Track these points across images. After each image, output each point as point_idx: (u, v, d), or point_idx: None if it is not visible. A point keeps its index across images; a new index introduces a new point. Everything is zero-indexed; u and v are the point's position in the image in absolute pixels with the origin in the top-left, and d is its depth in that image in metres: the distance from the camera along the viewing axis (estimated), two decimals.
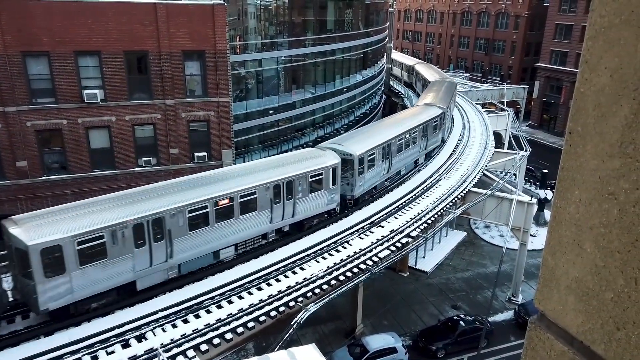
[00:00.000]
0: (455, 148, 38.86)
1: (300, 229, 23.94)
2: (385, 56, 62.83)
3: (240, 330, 17.40)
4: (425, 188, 30.31)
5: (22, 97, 23.62)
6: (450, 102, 40.42)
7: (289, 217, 22.93)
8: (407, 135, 31.11)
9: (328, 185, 24.11)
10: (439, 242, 37.74)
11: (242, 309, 18.25)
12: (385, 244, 23.40)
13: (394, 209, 27.16)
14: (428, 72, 57.08)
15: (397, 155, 30.14)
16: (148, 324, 17.09)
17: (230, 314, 17.94)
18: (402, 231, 24.69)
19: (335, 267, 21.25)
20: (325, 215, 25.04)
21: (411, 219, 25.90)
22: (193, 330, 16.95)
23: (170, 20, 25.49)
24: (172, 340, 16.42)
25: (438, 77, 52.76)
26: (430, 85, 47.61)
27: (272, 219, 22.19)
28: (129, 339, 16.36)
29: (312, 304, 19.16)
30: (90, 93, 24.61)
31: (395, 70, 74.49)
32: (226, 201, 20.25)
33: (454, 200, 29.10)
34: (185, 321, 17.47)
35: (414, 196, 28.96)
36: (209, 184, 20.32)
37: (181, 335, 16.67)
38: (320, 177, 23.74)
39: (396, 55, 77.88)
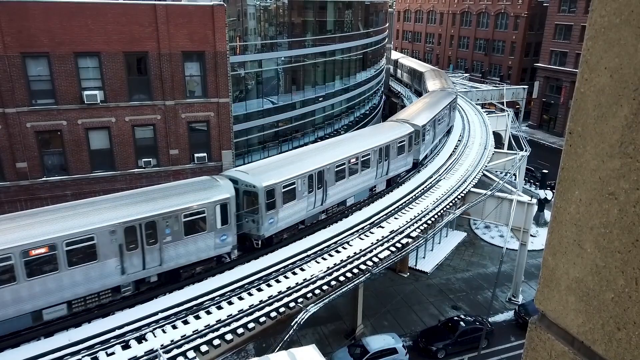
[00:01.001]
0: (455, 148, 38.86)
1: (176, 278, 19.56)
2: (385, 57, 62.83)
3: (240, 331, 17.39)
4: (425, 188, 30.30)
5: (22, 98, 23.62)
6: (434, 117, 35.28)
7: (154, 264, 18.58)
8: (353, 160, 26.04)
9: (215, 225, 19.88)
10: (439, 243, 37.73)
11: (242, 309, 18.25)
12: (386, 245, 23.39)
13: (394, 209, 27.15)
14: (432, 81, 50.98)
15: (337, 185, 25.19)
16: (148, 325, 17.09)
17: (230, 314, 17.93)
18: (402, 232, 24.68)
19: (335, 268, 21.24)
20: (214, 260, 20.67)
21: (411, 220, 25.90)
22: (193, 331, 16.95)
23: (170, 21, 25.51)
24: (172, 341, 16.41)
25: (439, 86, 47.73)
26: (423, 96, 44.89)
27: (123, 269, 17.73)
28: (129, 340, 16.36)
29: (312, 304, 19.15)
30: (90, 94, 24.62)
31: (405, 77, 68.53)
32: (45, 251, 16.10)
33: (454, 201, 29.10)
34: (185, 322, 17.47)
35: (413, 197, 28.95)
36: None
37: (181, 336, 16.66)
38: (203, 215, 19.49)
39: (406, 61, 70.69)
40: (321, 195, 24.43)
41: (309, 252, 22.42)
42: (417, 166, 33.26)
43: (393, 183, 30.70)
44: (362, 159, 26.92)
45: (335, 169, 25.01)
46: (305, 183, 23.26)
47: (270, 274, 20.64)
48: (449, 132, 42.70)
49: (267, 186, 21.31)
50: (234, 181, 21.14)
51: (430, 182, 31.35)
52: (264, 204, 21.16)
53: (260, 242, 21.86)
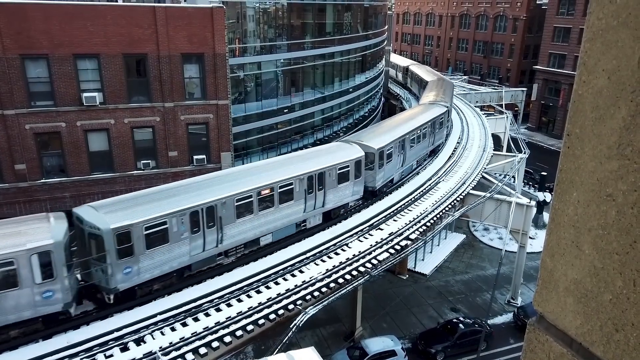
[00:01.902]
0: (454, 151, 38.89)
1: None
2: (384, 59, 62.90)
3: (239, 333, 17.36)
4: (424, 191, 30.32)
5: (21, 100, 23.61)
6: (402, 137, 31.37)
7: None
8: (266, 191, 22.18)
9: (31, 281, 15.99)
10: (438, 245, 37.73)
11: (241, 312, 18.22)
12: (384, 247, 23.39)
13: (392, 211, 27.14)
14: (427, 93, 45.82)
15: (240, 222, 21.35)
16: (147, 327, 17.05)
17: (230, 317, 17.90)
18: (401, 234, 24.68)
19: (334, 270, 21.22)
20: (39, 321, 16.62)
21: (410, 222, 25.89)
22: (192, 334, 16.92)
23: (169, 23, 25.52)
24: (171, 343, 16.38)
25: (431, 99, 42.96)
26: (404, 111, 45.70)
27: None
28: (128, 342, 16.32)
29: (311, 306, 19.13)
30: (89, 96, 24.62)
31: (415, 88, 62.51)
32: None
33: (453, 203, 29.11)
34: (184, 324, 17.44)
35: (412, 199, 28.96)
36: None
37: (180, 339, 16.63)
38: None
39: (418, 70, 62.03)
40: (215, 236, 20.28)
41: (308, 255, 22.40)
42: (374, 194, 28.47)
43: (334, 216, 25.83)
44: (280, 190, 22.39)
45: (236, 203, 20.74)
46: (186, 222, 19.05)
47: (270, 275, 20.61)
48: (434, 151, 37.61)
49: (118, 228, 17.14)
50: (80, 220, 17.42)
51: (430, 185, 31.36)
52: (114, 250, 17.05)
53: (112, 297, 17.65)
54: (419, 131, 32.94)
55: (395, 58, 77.27)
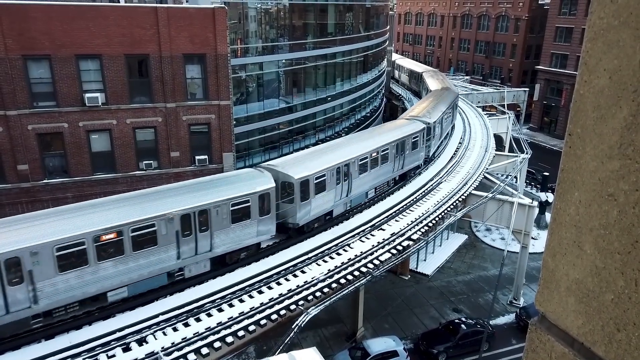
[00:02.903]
0: (456, 151, 38.86)
1: None
2: (385, 59, 62.89)
3: (241, 333, 17.37)
4: (426, 191, 30.29)
5: (23, 101, 23.67)
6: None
7: None
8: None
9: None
10: (440, 245, 37.69)
11: (243, 312, 18.23)
12: (386, 247, 23.38)
13: (395, 211, 27.13)
14: (415, 107, 41.47)
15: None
16: (149, 327, 17.08)
17: (232, 317, 17.92)
18: (403, 234, 24.66)
19: (336, 270, 21.22)
20: None
21: (412, 222, 25.88)
22: (194, 334, 16.94)
23: (171, 23, 25.56)
24: (173, 343, 16.40)
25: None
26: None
27: None
28: (130, 342, 16.35)
29: (313, 307, 19.13)
30: (92, 96, 24.67)
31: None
32: None
33: (455, 203, 29.08)
34: (187, 324, 17.46)
35: (414, 199, 28.94)
36: None
37: (182, 339, 16.65)
38: None
39: (432, 82, 52.36)
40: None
41: (310, 255, 22.41)
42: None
43: (231, 261, 21.66)
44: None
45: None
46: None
47: (271, 276, 20.62)
48: (404, 176, 34.48)
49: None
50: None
51: (431, 185, 31.34)
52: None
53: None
54: (375, 153, 27.55)
55: (408, 63, 71.52)
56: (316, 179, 23.32)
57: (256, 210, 20.99)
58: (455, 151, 38.76)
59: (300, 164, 23.70)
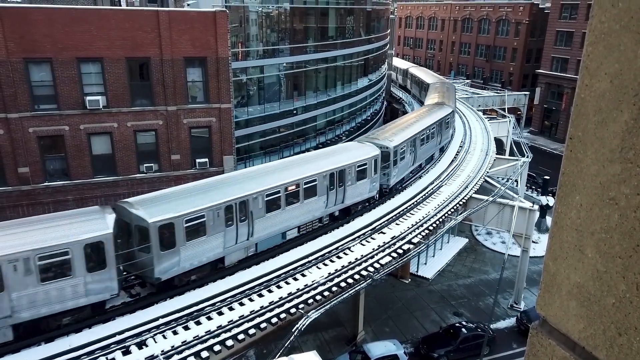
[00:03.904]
0: (456, 154, 38.86)
1: None
2: (386, 63, 63.00)
3: (241, 337, 17.34)
4: (426, 194, 30.28)
5: (24, 104, 23.71)
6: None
7: None
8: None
9: None
10: (441, 249, 37.65)
11: (242, 315, 18.20)
12: (387, 251, 23.35)
13: (395, 215, 27.11)
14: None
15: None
16: (149, 330, 17.04)
17: (231, 320, 17.89)
18: (404, 238, 24.64)
19: (336, 274, 21.19)
20: None
21: (413, 226, 25.86)
22: (194, 337, 16.90)
23: (173, 27, 25.63)
24: (172, 347, 16.37)
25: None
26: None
27: None
28: (130, 345, 16.31)
29: (313, 310, 19.09)
30: (93, 99, 24.71)
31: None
32: None
33: (455, 207, 29.06)
34: (186, 328, 17.42)
35: (415, 202, 28.92)
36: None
37: (182, 342, 16.62)
38: None
39: (431, 96, 47.69)
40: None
41: (310, 258, 22.39)
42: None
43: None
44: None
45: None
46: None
47: (272, 279, 20.60)
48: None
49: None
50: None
51: (432, 188, 31.32)
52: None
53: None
54: (294, 186, 23.70)
55: (419, 72, 63.08)
56: (188, 220, 18.82)
57: (82, 265, 16.51)
58: (456, 155, 38.76)
59: (167, 202, 19.01)
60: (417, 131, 32.26)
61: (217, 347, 16.72)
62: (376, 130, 33.23)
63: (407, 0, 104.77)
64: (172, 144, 27.16)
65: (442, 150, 38.95)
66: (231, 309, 18.61)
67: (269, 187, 21.68)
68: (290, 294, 19.61)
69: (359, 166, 25.93)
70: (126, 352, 16.10)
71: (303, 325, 18.32)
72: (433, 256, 36.59)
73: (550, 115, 69.76)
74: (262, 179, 22.05)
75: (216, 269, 20.65)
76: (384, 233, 25.12)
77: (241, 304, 18.91)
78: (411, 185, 31.88)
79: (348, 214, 26.78)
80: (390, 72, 72.14)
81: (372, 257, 22.74)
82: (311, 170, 23.74)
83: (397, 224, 26.25)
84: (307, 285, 20.29)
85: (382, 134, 30.56)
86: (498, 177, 37.89)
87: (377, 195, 28.45)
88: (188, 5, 31.47)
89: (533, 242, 33.60)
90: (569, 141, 1.54)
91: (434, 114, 36.95)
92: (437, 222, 27.06)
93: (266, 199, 21.53)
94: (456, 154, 38.85)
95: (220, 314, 18.31)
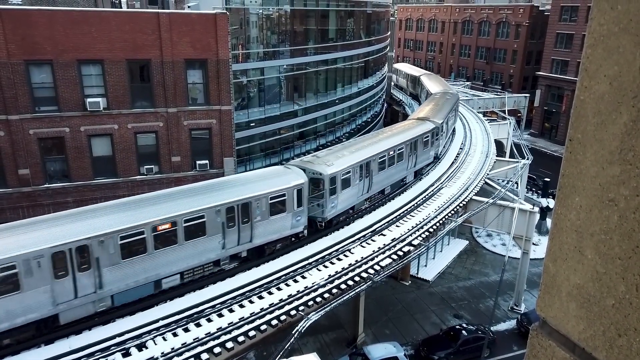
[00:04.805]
0: (456, 156, 38.87)
1: None
2: (386, 65, 63.08)
3: (241, 339, 17.32)
4: (427, 196, 30.27)
5: (25, 105, 23.73)
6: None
7: None
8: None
9: None
10: (441, 251, 37.62)
11: (243, 317, 18.19)
12: (387, 253, 23.34)
13: (395, 217, 27.11)
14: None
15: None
16: (149, 332, 17.03)
17: (232, 322, 17.87)
18: (404, 239, 24.63)
19: (336, 276, 21.18)
20: None
21: (413, 227, 25.85)
22: (194, 339, 16.88)
23: (173, 29, 25.67)
24: (173, 349, 16.35)
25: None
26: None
27: None
28: (130, 347, 16.30)
29: (314, 312, 19.08)
30: (93, 101, 24.73)
31: None
32: None
33: (455, 209, 29.05)
34: (186, 330, 17.41)
35: (415, 204, 28.91)
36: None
37: (182, 344, 16.60)
38: None
39: (420, 109, 43.57)
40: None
41: (310, 260, 22.37)
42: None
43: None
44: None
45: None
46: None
47: (272, 281, 20.58)
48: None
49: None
50: None
51: (432, 190, 31.32)
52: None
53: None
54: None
55: (428, 81, 56.39)
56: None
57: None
58: (456, 157, 38.76)
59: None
60: (374, 153, 27.45)
61: (217, 349, 16.70)
62: (322, 152, 27.49)
63: (407, 2, 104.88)
64: (173, 146, 27.17)
65: (419, 174, 33.60)
66: (231, 310, 18.60)
67: (124, 226, 17.63)
68: (290, 296, 19.59)
69: (272, 198, 21.55)
70: (126, 354, 16.09)
71: (303, 327, 18.31)
72: (433, 258, 36.56)
73: (550, 118, 69.78)
74: (118, 215, 18.03)
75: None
76: (384, 235, 25.11)
77: (241, 306, 18.90)
78: (364, 215, 27.14)
79: (262, 254, 22.10)
80: (398, 78, 71.02)
81: (373, 259, 22.72)
82: (197, 204, 19.46)
83: (397, 225, 26.21)
84: (307, 287, 20.27)
85: (324, 156, 25.67)
86: (498, 179, 37.88)
87: (306, 232, 23.56)
88: (189, 7, 31.52)
89: (533, 244, 33.56)
90: (569, 143, 1.55)
91: (408, 132, 31.98)
92: (438, 224, 27.05)
93: (120, 242, 17.49)
94: (456, 157, 38.85)
95: (220, 315, 18.29)
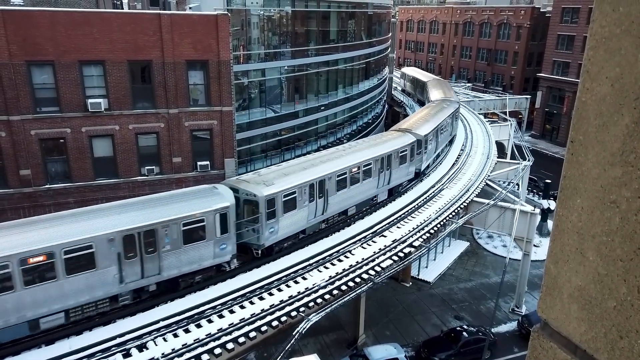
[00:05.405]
0: (457, 158, 38.85)
1: None
2: (387, 66, 63.10)
3: (241, 340, 17.32)
4: (428, 198, 30.26)
5: (26, 106, 23.76)
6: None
7: None
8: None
9: None
10: (442, 252, 37.59)
11: (243, 318, 18.18)
12: (388, 254, 23.32)
13: (396, 218, 27.09)
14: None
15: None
16: (149, 333, 17.04)
17: (232, 323, 17.87)
18: (405, 241, 24.61)
19: (337, 277, 21.17)
20: None
21: (414, 229, 25.83)
22: (194, 340, 16.88)
23: (174, 30, 25.69)
24: (173, 349, 16.35)
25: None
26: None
27: None
28: (130, 348, 16.30)
29: (314, 313, 19.07)
30: (94, 102, 24.76)
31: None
32: None
33: (456, 210, 29.03)
34: (187, 331, 17.41)
35: (416, 206, 28.90)
36: None
37: (182, 345, 16.60)
38: None
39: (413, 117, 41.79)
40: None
41: (311, 261, 22.36)
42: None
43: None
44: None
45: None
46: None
47: (272, 282, 20.58)
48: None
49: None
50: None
51: (433, 192, 31.30)
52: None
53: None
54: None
55: (433, 88, 53.93)
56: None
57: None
58: (457, 158, 38.75)
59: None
60: (331, 170, 25.05)
61: (217, 350, 16.70)
62: (267, 169, 25.35)
63: (408, 3, 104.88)
64: (174, 147, 27.19)
65: (395, 192, 31.35)
66: (232, 311, 18.60)
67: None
68: (291, 297, 19.59)
69: (186, 223, 19.29)
70: (127, 354, 16.09)
71: (304, 329, 18.29)
72: (434, 260, 36.53)
73: (551, 119, 69.74)
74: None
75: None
76: (384, 236, 25.09)
77: (242, 307, 18.90)
78: (318, 240, 24.63)
79: (177, 287, 19.90)
80: (406, 83, 70.18)
81: (373, 260, 22.71)
82: (82, 231, 17.29)
83: (398, 227, 26.21)
84: (308, 288, 20.27)
85: (267, 174, 23.63)
86: (499, 181, 37.87)
87: (235, 261, 21.57)
88: (190, 8, 31.53)
89: (534, 245, 33.53)
90: (570, 144, 1.55)
91: (381, 146, 29.65)
92: (439, 226, 27.03)
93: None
94: (457, 157, 38.84)
95: (221, 316, 18.29)
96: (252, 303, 19.16)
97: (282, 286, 20.39)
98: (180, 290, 19.36)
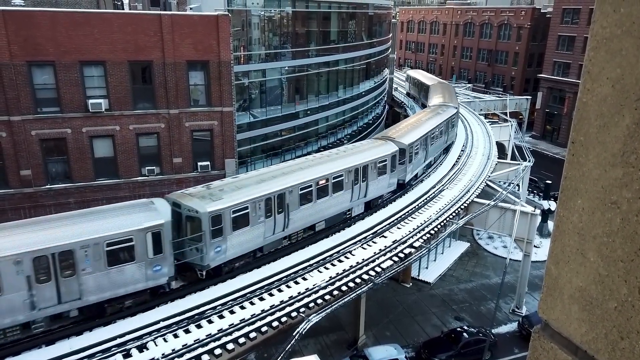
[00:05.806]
0: (458, 158, 38.84)
1: None
2: (388, 67, 63.12)
3: (242, 340, 17.31)
4: (428, 198, 30.24)
5: (27, 106, 23.79)
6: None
7: None
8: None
9: None
10: (442, 253, 37.58)
11: (244, 319, 18.17)
12: (388, 255, 23.31)
13: (396, 219, 27.07)
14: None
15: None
16: (149, 333, 17.03)
17: (232, 324, 17.86)
18: (405, 241, 24.60)
19: (337, 278, 21.16)
20: None
21: (414, 230, 25.82)
22: (195, 341, 16.87)
23: (175, 30, 25.71)
24: (173, 350, 16.34)
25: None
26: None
27: None
28: (130, 348, 16.29)
29: (314, 314, 19.06)
30: (95, 102, 24.78)
31: None
32: None
33: (457, 211, 29.02)
34: (187, 331, 17.40)
35: (416, 206, 28.88)
36: None
37: (183, 346, 16.59)
38: None
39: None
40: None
41: (311, 262, 22.35)
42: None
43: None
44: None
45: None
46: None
47: (273, 283, 20.57)
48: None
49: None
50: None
51: (434, 192, 31.28)
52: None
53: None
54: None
55: (436, 92, 51.29)
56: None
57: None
58: (457, 159, 38.74)
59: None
60: (292, 183, 23.03)
61: (217, 351, 16.69)
62: (220, 182, 22.87)
63: (409, 4, 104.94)
64: (174, 147, 27.20)
65: (373, 206, 29.44)
66: (232, 312, 18.59)
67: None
68: (291, 298, 19.58)
69: (111, 243, 17.38)
70: (127, 355, 16.09)
71: (304, 329, 18.29)
72: (434, 260, 36.52)
73: (552, 120, 69.73)
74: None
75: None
76: (385, 237, 25.08)
77: (242, 308, 18.89)
78: (280, 258, 22.83)
79: (103, 313, 18.02)
80: (410, 86, 69.43)
81: (374, 260, 22.70)
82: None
83: (398, 227, 26.19)
84: (308, 288, 20.26)
85: (217, 188, 21.56)
86: (500, 181, 37.86)
87: (173, 284, 19.81)
88: (191, 9, 31.56)
89: (535, 246, 33.52)
90: (571, 145, 1.55)
91: (357, 155, 27.38)
92: (439, 226, 27.01)
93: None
94: (457, 159, 38.83)
95: (222, 317, 18.28)
96: (252, 304, 19.11)
97: (283, 287, 20.38)
98: (107, 316, 17.56)
